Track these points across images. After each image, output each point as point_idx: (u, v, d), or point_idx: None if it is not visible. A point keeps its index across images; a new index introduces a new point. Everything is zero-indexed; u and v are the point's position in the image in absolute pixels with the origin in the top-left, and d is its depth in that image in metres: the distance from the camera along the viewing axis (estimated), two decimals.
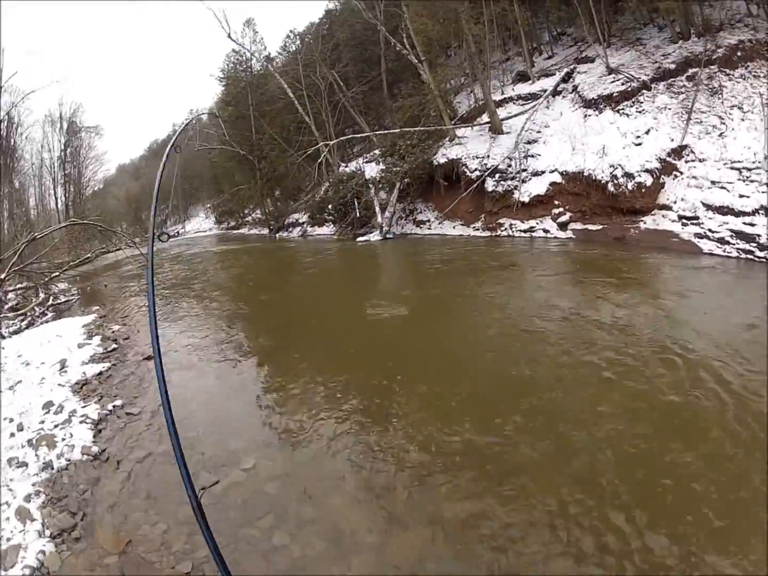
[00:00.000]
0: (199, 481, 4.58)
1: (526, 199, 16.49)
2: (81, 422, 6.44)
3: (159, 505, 4.52)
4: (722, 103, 13.66)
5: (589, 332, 7.09)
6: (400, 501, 4.23)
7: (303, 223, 31.74)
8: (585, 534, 3.71)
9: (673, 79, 15.26)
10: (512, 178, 17.34)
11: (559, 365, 6.21)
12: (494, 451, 4.77)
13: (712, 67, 14.44)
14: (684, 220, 12.49)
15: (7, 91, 23.77)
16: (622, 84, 16.21)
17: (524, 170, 17.09)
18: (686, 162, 13.30)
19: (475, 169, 18.42)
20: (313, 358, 7.86)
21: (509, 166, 17.59)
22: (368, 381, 6.60)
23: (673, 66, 15.51)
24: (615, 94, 16.16)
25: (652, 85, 15.55)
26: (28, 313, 15.44)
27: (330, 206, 26.20)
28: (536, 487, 4.18)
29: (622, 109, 15.72)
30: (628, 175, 13.75)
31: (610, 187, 14.03)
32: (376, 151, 25.76)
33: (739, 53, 14.30)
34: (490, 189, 17.71)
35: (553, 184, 16.04)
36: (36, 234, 17.75)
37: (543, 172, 16.54)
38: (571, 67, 19.63)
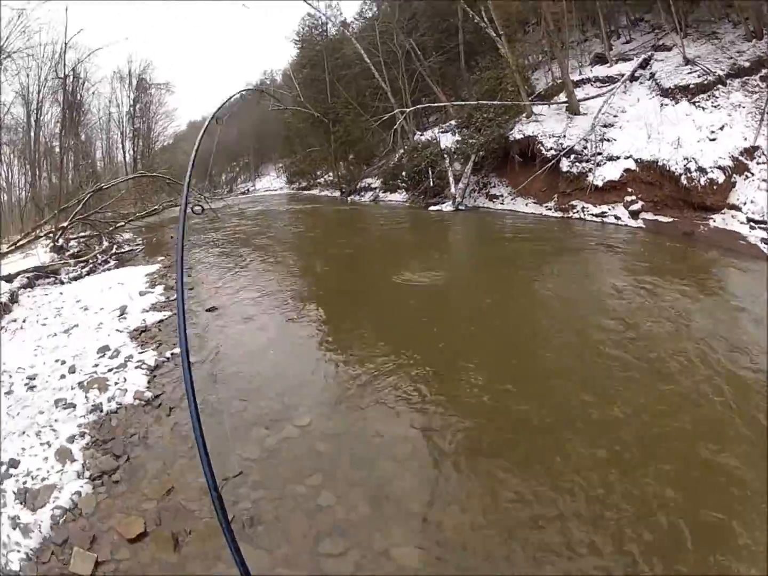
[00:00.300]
0: (253, 433, 4.79)
1: (600, 183, 16.94)
2: (136, 367, 6.55)
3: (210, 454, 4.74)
4: None
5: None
6: (452, 475, 4.19)
7: (375, 188, 32.60)
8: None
9: (747, 78, 15.41)
10: (587, 161, 17.78)
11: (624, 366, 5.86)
12: (548, 433, 4.71)
13: None
14: (752, 223, 12.80)
15: (73, 47, 24.85)
16: (699, 76, 16.39)
17: (599, 153, 17.53)
18: (758, 164, 13.59)
19: (551, 148, 18.92)
20: (376, 322, 7.94)
21: (585, 147, 18.04)
22: (430, 351, 6.55)
23: (747, 64, 15.66)
24: (692, 86, 16.37)
25: (728, 81, 15.71)
26: (90, 261, 15.91)
27: (404, 173, 27.00)
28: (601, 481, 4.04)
29: (698, 101, 15.95)
30: (701, 170, 14.04)
31: (683, 180, 14.35)
32: (452, 122, 26.46)
33: None
34: (564, 169, 18.22)
35: (627, 170, 16.41)
36: (102, 184, 18.86)
37: (618, 158, 16.92)
38: (649, 53, 19.73)
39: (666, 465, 4.18)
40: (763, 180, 13.24)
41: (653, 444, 4.45)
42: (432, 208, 22.75)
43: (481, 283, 10.31)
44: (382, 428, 4.87)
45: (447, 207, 22.23)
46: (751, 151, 13.81)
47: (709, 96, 15.83)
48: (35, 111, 29.23)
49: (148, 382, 6.16)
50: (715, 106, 15.47)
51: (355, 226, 22.24)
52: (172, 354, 6.84)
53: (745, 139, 14.03)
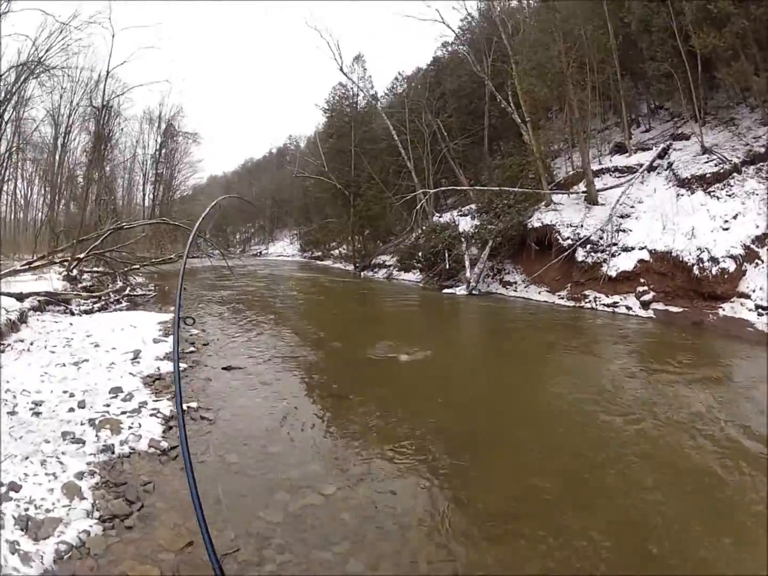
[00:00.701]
0: (275, 497, 4.95)
1: (613, 274, 18.00)
2: (151, 415, 6.68)
3: (228, 513, 4.59)
4: None
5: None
6: (478, 548, 4.34)
7: (389, 265, 34.13)
8: None
9: (762, 164, 16.69)
10: (602, 251, 18.95)
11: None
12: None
13: None
14: (760, 310, 13.77)
15: (113, 77, 25.93)
16: (715, 165, 17.68)
17: (615, 244, 18.70)
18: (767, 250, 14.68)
19: (568, 238, 20.20)
20: (395, 399, 8.17)
21: (601, 238, 19.26)
22: (448, 430, 6.85)
23: (762, 150, 17.01)
24: (708, 175, 17.64)
25: (743, 168, 17.00)
26: (103, 297, 16.58)
27: (420, 254, 28.36)
28: None
29: (713, 191, 17.16)
30: (714, 260, 15.06)
31: (696, 270, 15.35)
32: (472, 206, 28.13)
33: None
34: (579, 259, 19.40)
35: (641, 261, 17.49)
36: (124, 223, 19.72)
37: (632, 248, 18.06)
38: (668, 143, 21.31)
39: None
40: None
41: None
42: (446, 290, 23.86)
43: (490, 370, 10.86)
44: (409, 502, 5.03)
45: (461, 291, 23.33)
46: (762, 239, 14.91)
47: (724, 185, 17.06)
48: (63, 134, 31.16)
49: (163, 432, 6.29)
50: (730, 195, 16.66)
51: (368, 302, 23.23)
52: (188, 407, 7.02)
53: (757, 226, 15.15)
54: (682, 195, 18.10)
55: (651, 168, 20.79)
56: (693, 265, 15.53)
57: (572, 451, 6.34)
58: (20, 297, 12.09)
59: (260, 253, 76.24)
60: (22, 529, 4.07)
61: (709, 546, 4.29)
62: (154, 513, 4.61)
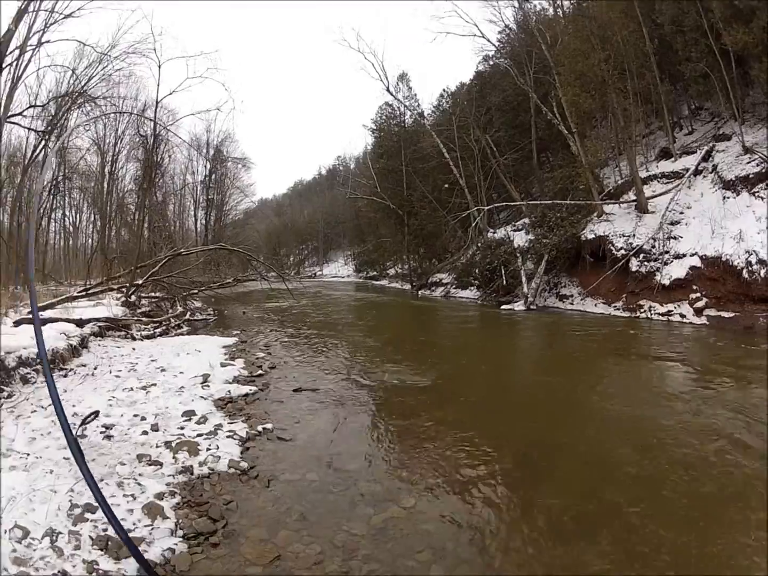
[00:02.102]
0: (358, 511, 5.25)
1: (667, 282, 18.95)
2: (228, 437, 6.94)
3: (314, 528, 4.84)
4: None
5: None
6: (549, 553, 4.58)
7: (446, 283, 35.31)
8: None
9: None
10: (655, 260, 19.93)
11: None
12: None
13: None
14: None
15: (163, 106, 27.13)
16: (757, 165, 18.61)
17: (667, 252, 19.71)
18: None
19: (621, 248, 21.22)
20: (464, 415, 8.51)
21: (653, 246, 20.27)
22: (516, 441, 7.32)
23: None
24: (751, 176, 18.57)
25: None
26: (163, 322, 17.29)
27: (476, 270, 29.63)
28: None
29: (757, 191, 18.06)
30: (762, 262, 15.94)
31: (745, 274, 16.27)
32: (525, 220, 29.32)
33: None
34: (633, 269, 20.39)
35: (692, 268, 18.44)
36: (182, 249, 20.60)
37: (684, 255, 19.06)
38: (711, 144, 22.27)
39: None
40: None
41: None
42: (504, 306, 24.79)
43: (553, 383, 11.05)
44: (485, 510, 5.31)
45: (519, 306, 24.32)
46: None
47: (767, 185, 17.97)
48: (110, 163, 33.23)
49: (242, 452, 6.58)
50: None
51: (428, 321, 24.07)
52: (263, 428, 7.42)
53: None
54: (728, 198, 19.08)
55: (696, 172, 21.72)
56: (742, 269, 16.46)
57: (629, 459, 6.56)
58: (80, 323, 12.42)
59: (314, 274, 78.73)
60: (101, 549, 4.22)
61: None
62: (239, 530, 4.86)
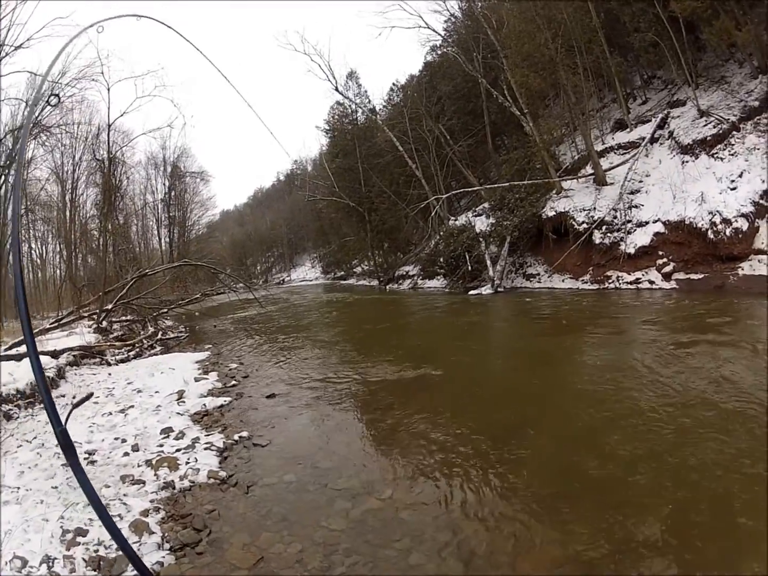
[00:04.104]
0: (336, 507, 5.21)
1: (632, 251, 18.58)
2: (206, 449, 6.97)
3: (293, 528, 4.87)
4: None
5: None
6: (528, 526, 4.61)
7: (413, 275, 34.82)
8: None
9: (758, 117, 17.28)
10: (618, 230, 19.53)
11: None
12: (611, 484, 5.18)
13: None
14: None
15: (115, 129, 26.16)
16: (714, 126, 18.28)
17: (629, 221, 19.27)
18: None
19: (583, 222, 20.81)
20: (437, 404, 8.34)
21: (615, 217, 19.85)
22: (490, 424, 7.16)
23: (756, 103, 17.62)
24: (708, 138, 18.23)
25: (741, 125, 17.55)
26: (136, 345, 16.86)
27: (441, 259, 28.97)
28: None
29: (716, 153, 17.73)
30: (726, 221, 15.63)
31: (710, 235, 15.91)
32: (485, 205, 28.71)
33: None
34: (597, 241, 19.99)
35: (656, 234, 18.06)
36: (147, 270, 20.16)
37: (647, 223, 18.63)
38: (665, 111, 21.88)
39: None
40: None
41: None
42: (471, 292, 24.41)
43: (522, 364, 11.02)
44: (460, 495, 5.29)
45: (486, 290, 23.88)
46: None
47: (725, 145, 17.63)
48: (70, 190, 32.04)
49: (220, 462, 6.62)
50: (732, 154, 17.22)
51: (396, 314, 23.30)
52: (239, 437, 7.42)
53: (763, 181, 15.63)
54: (687, 162, 18.68)
55: (653, 140, 21.33)
56: (707, 229, 16.07)
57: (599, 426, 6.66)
58: (55, 354, 12.21)
59: (283, 281, 76.87)
60: (94, 569, 4.31)
61: None
62: (222, 537, 4.89)
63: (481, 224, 27.15)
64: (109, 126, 22.67)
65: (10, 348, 11.74)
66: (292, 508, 5.27)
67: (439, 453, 6.36)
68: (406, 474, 5.92)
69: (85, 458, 6.60)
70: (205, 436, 7.57)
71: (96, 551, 4.51)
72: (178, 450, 6.97)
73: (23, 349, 11.74)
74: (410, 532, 4.69)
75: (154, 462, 6.50)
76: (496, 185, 27.31)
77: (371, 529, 4.79)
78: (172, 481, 6.02)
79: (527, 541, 4.44)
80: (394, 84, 42.46)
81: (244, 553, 4.57)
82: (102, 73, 23.66)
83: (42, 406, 9.18)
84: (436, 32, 33.17)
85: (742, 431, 5.93)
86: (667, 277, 17.32)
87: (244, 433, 7.59)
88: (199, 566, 4.47)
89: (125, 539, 1.95)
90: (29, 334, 1.99)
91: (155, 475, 6.17)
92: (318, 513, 5.14)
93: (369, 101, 43.15)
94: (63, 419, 1.91)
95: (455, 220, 31.12)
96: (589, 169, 22.76)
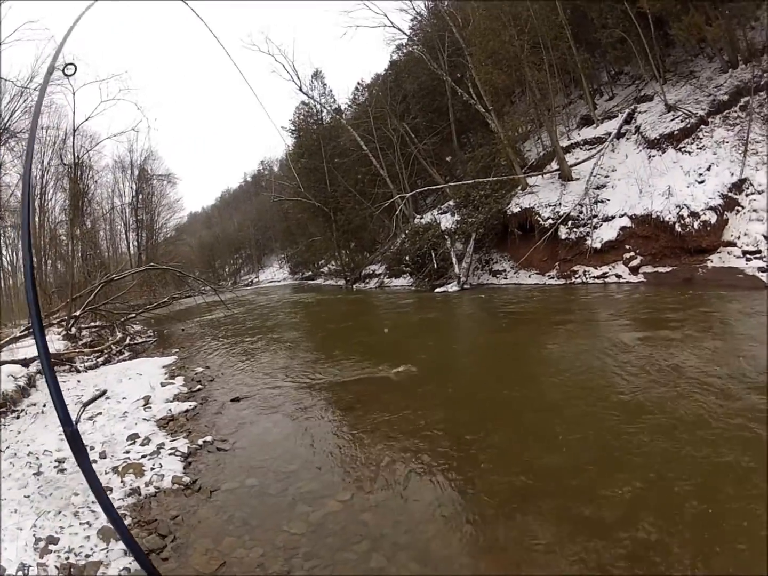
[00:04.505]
0: (297, 510, 5.20)
1: (599, 245, 18.26)
2: (170, 454, 6.99)
3: (255, 532, 4.89)
4: None
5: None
6: (490, 527, 4.59)
7: (380, 274, 34.29)
8: None
9: (727, 111, 17.02)
10: (584, 225, 19.19)
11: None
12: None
13: (761, 93, 16.11)
14: (748, 255, 14.05)
15: (80, 134, 25.62)
16: (681, 121, 18.00)
17: (595, 216, 18.94)
18: (746, 195, 14.90)
19: (548, 218, 20.41)
20: (400, 403, 8.22)
21: (581, 212, 19.50)
22: (453, 422, 7.17)
23: (725, 97, 17.32)
24: (676, 132, 17.94)
25: (709, 119, 17.29)
26: (105, 351, 16.43)
27: (407, 258, 28.54)
28: None
29: (684, 147, 17.45)
30: (694, 215, 15.32)
31: (678, 228, 15.60)
32: (451, 203, 28.31)
33: None
34: (563, 237, 19.63)
35: (623, 228, 17.73)
36: (114, 275, 19.30)
37: (613, 217, 18.30)
38: (632, 107, 21.62)
39: None
40: (753, 210, 14.47)
41: None
42: (438, 290, 23.92)
43: (486, 360, 11.10)
44: (420, 495, 5.29)
45: (452, 287, 23.41)
46: (739, 185, 15.15)
47: (693, 139, 17.35)
48: (39, 196, 30.67)
49: (184, 468, 6.62)
50: (700, 148, 16.92)
51: (361, 314, 23.14)
52: (204, 441, 7.40)
53: (732, 174, 15.37)
54: (654, 156, 18.39)
55: (619, 135, 21.03)
56: (674, 223, 15.76)
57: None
58: (25, 362, 11.92)
59: (251, 282, 75.89)
60: None
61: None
62: (186, 542, 4.86)
63: (447, 222, 26.75)
64: (75, 130, 21.98)
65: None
66: (254, 513, 5.27)
67: (400, 453, 6.33)
68: (366, 475, 5.91)
69: (55, 467, 6.60)
70: (170, 441, 7.57)
71: (67, 558, 4.58)
72: (143, 456, 6.99)
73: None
74: (370, 534, 4.67)
75: (120, 469, 6.53)
76: (461, 183, 26.89)
77: (331, 533, 4.78)
78: (138, 487, 6.05)
79: (488, 542, 4.43)
80: (359, 83, 42.09)
81: (207, 559, 4.57)
82: (68, 77, 22.91)
83: (14, 416, 9.20)
84: (402, 31, 32.51)
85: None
86: (634, 270, 17.02)
87: (208, 438, 7.55)
88: (164, 572, 4.33)
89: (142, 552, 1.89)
90: (40, 336, 1.90)
91: (122, 481, 6.20)
92: (279, 517, 5.11)
93: (334, 101, 42.75)
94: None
95: (421, 218, 30.70)
96: (554, 165, 22.38)
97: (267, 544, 4.64)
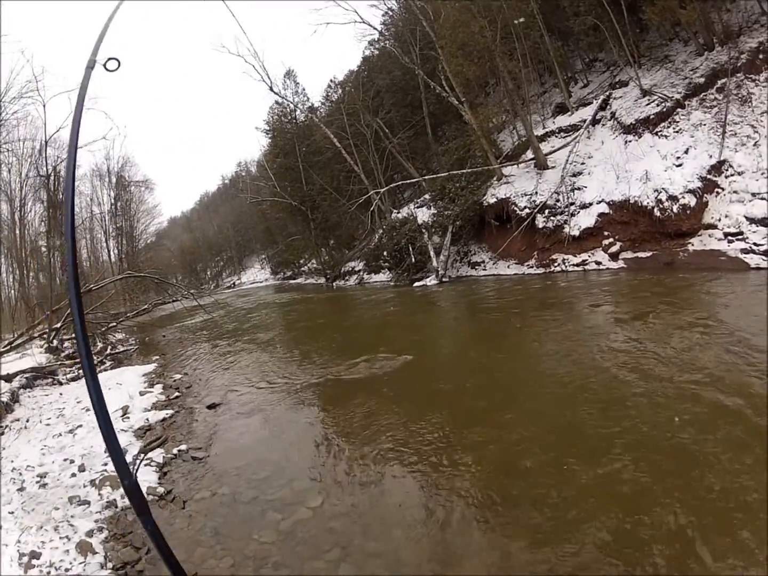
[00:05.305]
0: (268, 518, 5.17)
1: (577, 233, 17.77)
2: (146, 465, 6.99)
3: (226, 542, 4.89)
4: (753, 111, 14.78)
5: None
6: (459, 535, 4.46)
7: (359, 270, 33.95)
8: None
9: (704, 94, 16.45)
10: (561, 213, 18.69)
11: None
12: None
13: (738, 75, 15.58)
14: (729, 237, 13.52)
15: (51, 144, 25.32)
16: (657, 105, 17.46)
17: (572, 204, 18.43)
18: (726, 177, 14.36)
19: (525, 207, 19.89)
20: (377, 403, 8.10)
21: (557, 201, 18.97)
22: (430, 422, 6.88)
23: (702, 80, 16.76)
24: (652, 117, 17.42)
25: (686, 102, 16.77)
26: None
27: (385, 253, 28.07)
28: None
29: (660, 131, 16.94)
30: (673, 198, 14.80)
31: (656, 212, 15.09)
32: (426, 196, 27.84)
33: (761, 56, 15.46)
34: (540, 225, 19.09)
35: (601, 215, 17.23)
36: (91, 285, 19.02)
37: (590, 204, 17.79)
38: (607, 93, 21.10)
39: None
40: (734, 191, 13.96)
41: None
42: (416, 284, 23.50)
43: (467, 355, 10.75)
44: (390, 499, 5.24)
45: (431, 281, 22.99)
46: (718, 167, 14.60)
47: (670, 123, 16.82)
48: (19, 208, 30.26)
49: (159, 478, 6.60)
50: (677, 132, 16.41)
51: (340, 311, 22.99)
52: (179, 451, 7.36)
53: (710, 156, 14.85)
54: (630, 141, 17.91)
55: (594, 121, 20.51)
56: (653, 207, 15.27)
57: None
58: (8, 378, 12.05)
59: (233, 284, 74.99)
60: None
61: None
62: (159, 554, 4.55)
63: (423, 215, 26.26)
64: (47, 142, 21.98)
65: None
66: (225, 522, 5.26)
67: (372, 455, 6.25)
68: (338, 480, 5.87)
69: (37, 482, 6.66)
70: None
71: (48, 573, 4.67)
72: None
73: None
74: (340, 542, 4.64)
75: (98, 482, 6.52)
76: (436, 176, 26.38)
77: (301, 541, 4.75)
78: (115, 500, 6.07)
79: (459, 549, 4.31)
80: (331, 80, 41.50)
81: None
82: (37, 89, 22.76)
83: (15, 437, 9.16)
84: (372, 26, 31.76)
85: None
86: (614, 257, 16.53)
87: (183, 447, 7.53)
88: None
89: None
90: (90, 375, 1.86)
91: (99, 494, 6.21)
92: (250, 526, 5.10)
93: (307, 99, 41.99)
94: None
95: (397, 213, 30.23)
96: (529, 155, 21.83)
97: (237, 554, 4.62)
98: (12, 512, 5.67)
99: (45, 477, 6.81)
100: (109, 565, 4.77)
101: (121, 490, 5.69)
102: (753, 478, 4.31)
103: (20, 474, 6.91)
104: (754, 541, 3.65)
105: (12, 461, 7.45)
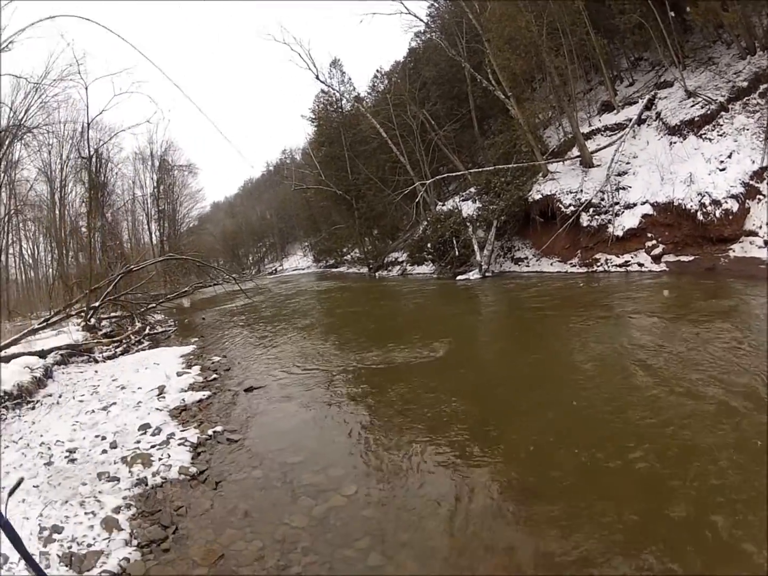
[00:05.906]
0: (300, 504, 5.14)
1: (620, 233, 17.93)
2: (179, 444, 6.98)
3: (256, 525, 4.86)
4: None
5: None
6: (491, 529, 4.44)
7: (402, 261, 34.38)
8: None
9: (747, 98, 16.55)
10: (606, 212, 18.87)
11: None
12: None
13: None
14: None
15: (93, 127, 25.61)
16: (702, 107, 17.54)
17: (617, 203, 18.61)
18: (767, 184, 14.50)
19: (570, 205, 20.15)
20: (413, 394, 8.17)
21: (602, 199, 19.16)
22: (466, 415, 7.01)
23: (745, 84, 16.86)
24: (696, 119, 17.49)
25: (729, 106, 16.84)
26: (124, 341, 16.74)
27: (429, 245, 28.39)
28: None
29: (704, 133, 17.02)
30: (716, 203, 14.94)
31: (699, 216, 15.22)
32: (472, 189, 28.10)
33: None
34: (585, 224, 19.34)
35: (645, 216, 17.37)
36: (132, 266, 19.59)
37: (635, 205, 17.95)
38: (653, 93, 21.13)
39: None
40: None
41: None
42: (459, 277, 23.93)
43: (505, 351, 11.05)
44: (425, 490, 5.19)
45: (474, 275, 23.37)
46: (760, 173, 14.74)
47: (714, 126, 16.90)
48: (59, 189, 31.41)
49: (192, 458, 6.60)
50: (721, 135, 16.50)
51: (383, 302, 23.07)
52: (214, 432, 7.38)
53: (753, 161, 14.97)
54: (675, 142, 17.97)
55: (640, 121, 20.58)
56: (696, 211, 15.40)
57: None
58: (42, 354, 12.23)
59: (275, 270, 76.10)
60: (66, 565, 4.43)
61: None
62: (187, 534, 4.89)
63: (468, 209, 26.52)
64: (89, 124, 21.79)
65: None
66: (257, 505, 5.25)
67: (409, 446, 6.28)
68: (373, 469, 5.89)
69: (65, 457, 6.73)
70: (181, 431, 7.52)
71: (69, 548, 4.64)
72: (153, 446, 6.98)
73: (10, 350, 11.95)
74: (371, 531, 4.63)
75: (129, 459, 6.52)
76: (481, 169, 26.61)
77: (332, 528, 4.73)
78: (145, 477, 6.04)
79: (492, 542, 4.30)
80: (378, 71, 41.78)
81: (207, 551, 4.58)
82: (78, 72, 23.37)
83: (30, 406, 9.51)
84: (418, 18, 31.81)
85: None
86: (656, 259, 16.69)
87: (218, 428, 7.52)
88: (163, 563, 4.50)
89: None
90: None
91: (130, 471, 6.19)
92: (282, 510, 5.10)
93: (354, 89, 42.47)
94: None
95: (443, 205, 30.48)
96: (575, 152, 22.03)
97: (267, 537, 4.64)
98: (37, 486, 5.74)
99: (74, 452, 6.90)
100: (134, 542, 4.78)
101: (154, 467, 6.30)
102: None
103: (49, 449, 7.03)
104: None
105: (41, 435, 7.60)
